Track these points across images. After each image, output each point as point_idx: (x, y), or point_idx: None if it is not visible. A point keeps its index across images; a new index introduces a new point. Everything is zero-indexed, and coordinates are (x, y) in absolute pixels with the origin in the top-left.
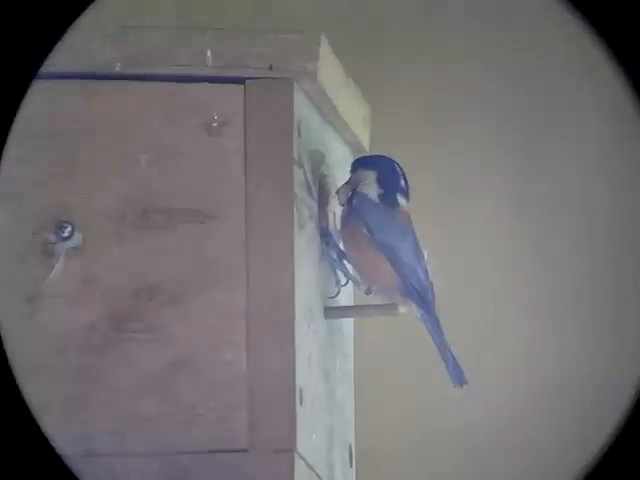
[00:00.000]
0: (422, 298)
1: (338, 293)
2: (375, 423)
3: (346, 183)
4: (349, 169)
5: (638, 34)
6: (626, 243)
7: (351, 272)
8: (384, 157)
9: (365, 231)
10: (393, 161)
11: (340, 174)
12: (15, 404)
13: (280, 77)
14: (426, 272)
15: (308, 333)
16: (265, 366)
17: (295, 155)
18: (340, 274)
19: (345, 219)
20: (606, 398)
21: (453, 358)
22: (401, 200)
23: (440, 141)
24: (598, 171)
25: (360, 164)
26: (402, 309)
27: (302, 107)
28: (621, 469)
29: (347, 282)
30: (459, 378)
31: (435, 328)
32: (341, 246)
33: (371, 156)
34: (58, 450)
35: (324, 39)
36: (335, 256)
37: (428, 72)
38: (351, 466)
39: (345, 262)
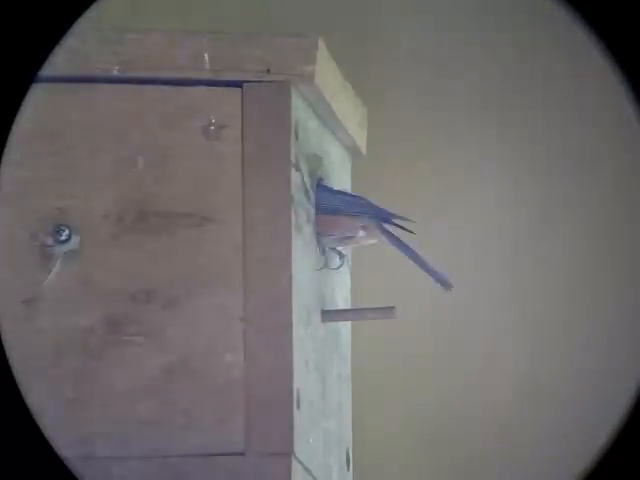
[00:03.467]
0: (383, 218)
1: (341, 266)
2: (372, 426)
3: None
4: None
5: (638, 35)
6: (625, 244)
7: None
8: None
9: (315, 210)
10: None
11: (338, 177)
12: (15, 407)
13: (278, 80)
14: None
15: (305, 336)
16: (262, 369)
17: (292, 158)
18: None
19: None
20: (606, 398)
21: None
22: None
23: (439, 143)
24: (598, 173)
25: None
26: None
27: (300, 110)
28: (621, 469)
29: (342, 264)
30: (444, 281)
31: (405, 246)
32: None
33: None
34: (57, 453)
35: (322, 42)
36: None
37: (428, 73)
38: (348, 470)
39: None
